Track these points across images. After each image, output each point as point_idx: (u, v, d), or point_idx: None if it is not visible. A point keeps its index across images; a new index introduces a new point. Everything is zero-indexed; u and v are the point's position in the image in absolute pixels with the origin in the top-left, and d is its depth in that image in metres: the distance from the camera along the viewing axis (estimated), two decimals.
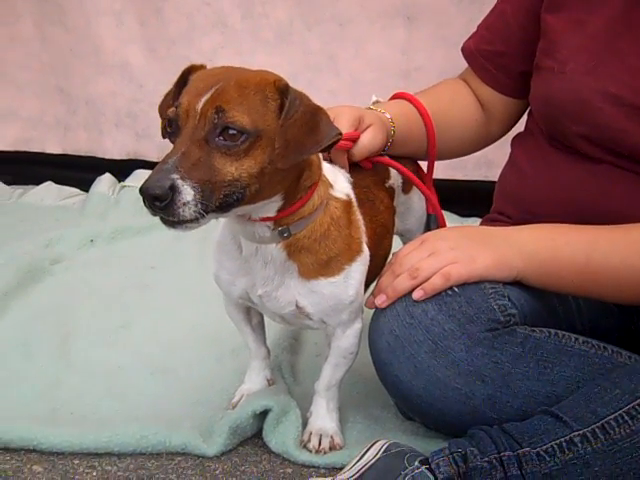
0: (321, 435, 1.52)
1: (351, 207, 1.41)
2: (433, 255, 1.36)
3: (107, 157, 3.25)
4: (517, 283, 1.40)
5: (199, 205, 1.12)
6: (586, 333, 1.41)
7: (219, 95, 1.16)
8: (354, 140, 1.47)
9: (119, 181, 3.17)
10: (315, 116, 1.20)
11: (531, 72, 1.61)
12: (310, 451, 1.49)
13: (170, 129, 1.20)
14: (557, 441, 1.20)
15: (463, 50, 1.74)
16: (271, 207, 1.28)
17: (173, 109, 1.19)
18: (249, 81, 1.19)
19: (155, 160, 3.21)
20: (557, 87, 1.48)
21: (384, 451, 1.30)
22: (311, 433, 1.52)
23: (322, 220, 1.34)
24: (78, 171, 3.24)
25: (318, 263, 1.36)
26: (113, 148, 3.25)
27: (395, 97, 1.70)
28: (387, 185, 1.59)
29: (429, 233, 1.47)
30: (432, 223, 1.67)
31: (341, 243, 1.37)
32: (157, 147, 3.22)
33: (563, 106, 1.46)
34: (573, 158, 1.49)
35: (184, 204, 1.11)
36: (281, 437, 1.50)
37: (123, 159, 3.26)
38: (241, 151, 1.16)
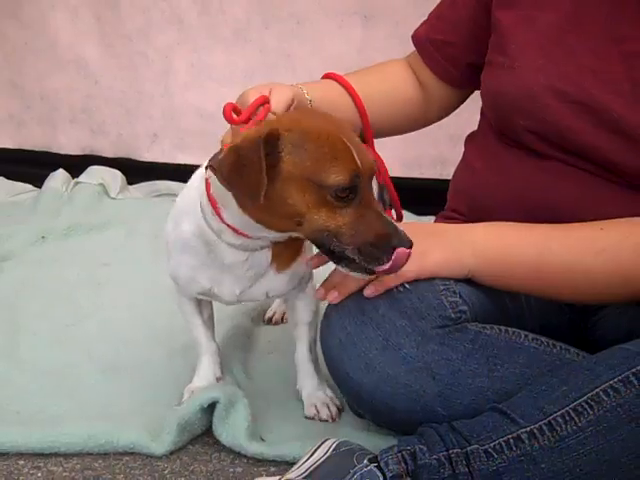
0: (327, 404, 1.57)
1: None
2: None
3: (61, 152, 3.21)
4: (468, 280, 1.40)
5: None
6: (536, 330, 1.42)
7: (364, 150, 1.25)
8: (267, 101, 1.37)
9: (73, 177, 3.12)
10: None
11: (478, 65, 1.61)
12: (327, 421, 1.55)
13: (344, 193, 1.22)
14: (504, 438, 1.19)
15: (413, 37, 1.75)
16: None
17: (353, 176, 1.21)
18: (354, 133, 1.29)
19: (110, 156, 3.18)
20: (506, 82, 1.48)
21: (334, 449, 1.28)
22: (316, 406, 1.57)
23: None
24: (31, 167, 3.19)
25: (288, 256, 1.42)
26: (68, 144, 3.21)
27: (323, 78, 1.68)
28: None
29: None
30: (384, 192, 1.67)
31: None
32: (112, 143, 3.19)
33: (512, 101, 1.47)
34: (523, 155, 1.49)
35: None
36: (231, 429, 1.48)
37: (78, 155, 3.22)
38: None
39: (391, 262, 1.22)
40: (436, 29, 1.69)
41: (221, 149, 1.29)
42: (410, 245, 1.22)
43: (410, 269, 1.33)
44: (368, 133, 1.65)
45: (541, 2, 1.47)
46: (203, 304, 1.61)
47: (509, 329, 1.38)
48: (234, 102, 1.39)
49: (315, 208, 1.22)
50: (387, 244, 1.22)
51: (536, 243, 1.37)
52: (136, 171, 3.12)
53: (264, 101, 1.37)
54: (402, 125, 1.77)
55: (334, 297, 1.39)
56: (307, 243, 1.45)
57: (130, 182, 3.13)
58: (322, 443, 1.31)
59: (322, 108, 1.52)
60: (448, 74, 1.70)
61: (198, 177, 1.40)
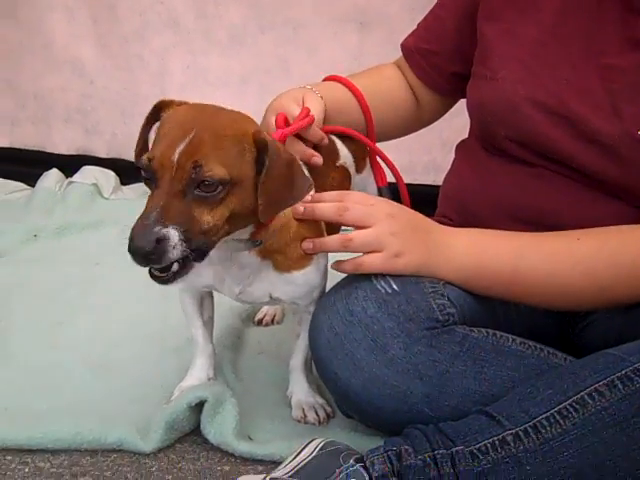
0: (315, 408, 1.58)
1: None
2: (372, 228, 1.35)
3: (55, 152, 3.20)
4: None
5: (184, 245, 1.15)
6: (524, 334, 1.43)
7: (195, 147, 1.16)
8: (308, 114, 1.47)
9: (67, 177, 3.12)
10: (291, 170, 1.24)
11: (463, 74, 1.66)
12: (314, 424, 1.56)
13: (146, 175, 1.19)
14: (490, 440, 1.20)
15: (402, 46, 1.80)
16: (244, 232, 1.32)
17: (146, 159, 1.17)
18: (226, 130, 1.20)
19: (104, 156, 3.19)
20: (488, 93, 1.52)
21: (320, 449, 1.30)
22: (303, 408, 1.58)
23: (290, 224, 1.39)
24: (25, 165, 3.19)
25: (290, 259, 1.41)
26: (61, 143, 3.20)
27: (326, 80, 1.72)
28: (338, 165, 1.61)
29: (387, 201, 1.43)
30: (384, 195, 1.69)
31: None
32: (106, 143, 3.19)
33: (494, 112, 1.50)
34: (507, 162, 1.52)
35: (173, 247, 1.14)
36: (219, 428, 1.49)
37: (71, 154, 3.22)
38: (217, 200, 1.18)
39: None
40: (423, 39, 1.75)
41: None
42: (133, 247, 1.12)
43: (373, 268, 1.37)
44: (372, 134, 1.69)
45: (523, 16, 1.50)
46: (205, 305, 1.61)
47: (497, 332, 1.39)
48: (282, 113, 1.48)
49: None
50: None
51: (513, 254, 1.39)
52: (130, 171, 3.10)
53: (307, 114, 1.46)
54: (400, 127, 1.82)
55: (307, 246, 1.40)
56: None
57: (124, 183, 3.14)
58: (309, 443, 1.33)
59: (332, 111, 1.58)
60: (434, 82, 1.75)
61: None
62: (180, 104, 1.27)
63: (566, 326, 1.56)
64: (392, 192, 1.72)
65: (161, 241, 1.12)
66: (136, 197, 3.04)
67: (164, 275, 1.19)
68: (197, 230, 1.17)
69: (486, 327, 1.40)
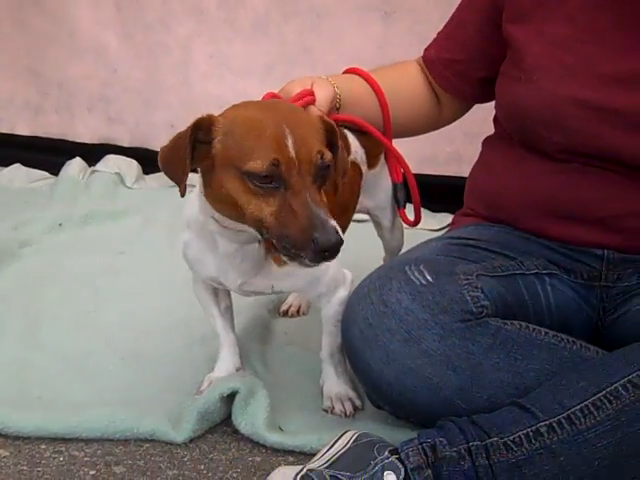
0: (341, 400, 1.57)
1: None
2: None
3: (78, 141, 3.22)
4: (490, 275, 1.43)
5: None
6: (554, 328, 1.43)
7: (304, 140, 1.20)
8: (311, 94, 1.46)
9: (89, 165, 3.13)
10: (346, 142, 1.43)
11: (489, 78, 1.63)
12: (340, 416, 1.56)
13: (265, 180, 1.19)
14: (524, 431, 1.21)
15: (424, 57, 1.77)
16: None
17: (271, 165, 1.18)
18: (308, 120, 1.27)
19: (126, 145, 3.20)
20: (525, 95, 1.50)
21: (354, 441, 1.30)
22: (331, 399, 1.58)
23: None
24: (48, 154, 3.22)
25: None
26: (84, 132, 3.22)
27: (346, 72, 1.70)
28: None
29: None
30: (398, 191, 1.69)
31: None
32: (129, 132, 3.21)
33: (533, 114, 1.49)
34: (543, 158, 1.51)
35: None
36: (250, 418, 1.50)
37: (94, 143, 3.23)
38: (324, 183, 1.26)
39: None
40: (444, 48, 1.72)
41: None
42: (336, 240, 1.16)
43: None
44: (388, 130, 1.68)
45: (552, 16, 1.49)
46: (221, 295, 1.62)
47: (529, 325, 1.39)
48: (275, 92, 1.47)
49: (245, 196, 1.21)
50: (308, 238, 1.16)
51: None
52: (152, 160, 3.10)
53: (308, 94, 1.44)
54: (421, 125, 1.80)
55: None
56: None
57: (146, 172, 3.15)
58: (343, 434, 1.33)
59: (348, 103, 1.55)
60: (458, 90, 1.73)
61: None
62: (225, 114, 1.27)
63: (595, 320, 1.55)
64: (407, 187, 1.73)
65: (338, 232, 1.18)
66: (159, 186, 3.05)
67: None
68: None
69: (517, 320, 1.40)
